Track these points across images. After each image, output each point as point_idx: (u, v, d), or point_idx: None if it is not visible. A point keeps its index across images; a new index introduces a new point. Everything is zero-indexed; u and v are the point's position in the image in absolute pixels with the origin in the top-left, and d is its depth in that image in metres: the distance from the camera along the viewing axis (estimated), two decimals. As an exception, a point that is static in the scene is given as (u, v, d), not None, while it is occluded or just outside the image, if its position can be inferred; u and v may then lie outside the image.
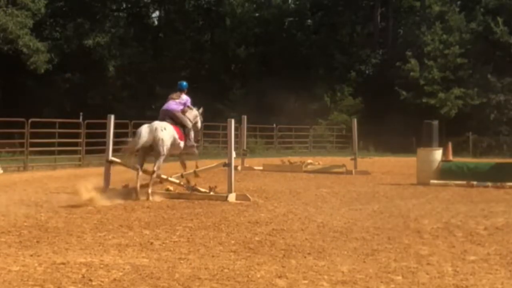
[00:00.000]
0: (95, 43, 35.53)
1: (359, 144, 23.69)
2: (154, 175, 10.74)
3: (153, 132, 10.72)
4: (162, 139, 10.74)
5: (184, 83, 12.40)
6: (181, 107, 11.65)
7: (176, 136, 11.13)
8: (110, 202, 9.70)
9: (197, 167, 12.22)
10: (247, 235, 7.05)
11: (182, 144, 11.34)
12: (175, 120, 11.37)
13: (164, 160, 11.17)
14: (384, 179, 15.46)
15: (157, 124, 10.95)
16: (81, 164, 20.61)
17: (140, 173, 10.69)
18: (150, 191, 10.46)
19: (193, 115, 11.99)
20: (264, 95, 37.85)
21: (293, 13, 42.09)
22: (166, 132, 10.86)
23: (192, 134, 11.74)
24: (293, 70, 38.33)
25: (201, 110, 12.41)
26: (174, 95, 11.84)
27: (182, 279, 4.95)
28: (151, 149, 10.85)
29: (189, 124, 11.64)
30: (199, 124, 12.28)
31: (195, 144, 12.00)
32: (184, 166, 11.99)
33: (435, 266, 5.54)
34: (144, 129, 10.76)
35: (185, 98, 11.87)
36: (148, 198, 10.26)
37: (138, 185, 10.55)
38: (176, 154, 11.84)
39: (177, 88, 12.14)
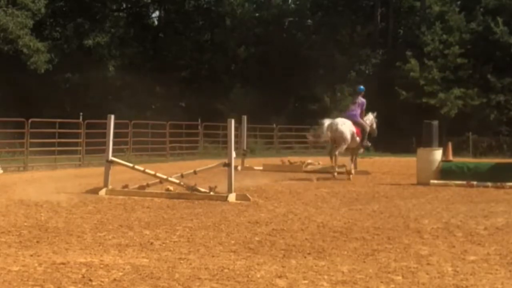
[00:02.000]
0: (95, 43, 35.51)
1: (359, 144, 23.64)
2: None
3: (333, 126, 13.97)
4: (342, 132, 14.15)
5: (361, 87, 15.59)
6: (359, 111, 14.75)
7: (354, 131, 14.44)
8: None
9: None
10: (247, 235, 7.05)
11: (358, 139, 14.69)
12: (357, 124, 14.71)
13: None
14: (384, 179, 15.46)
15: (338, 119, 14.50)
16: (81, 164, 20.61)
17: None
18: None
19: (370, 119, 15.47)
20: (264, 95, 37.86)
21: (293, 13, 42.08)
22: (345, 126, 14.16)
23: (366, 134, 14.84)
24: (293, 70, 38.32)
25: (375, 114, 15.75)
26: (354, 100, 15.11)
27: (182, 279, 4.95)
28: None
29: (367, 127, 14.90)
30: (374, 126, 15.87)
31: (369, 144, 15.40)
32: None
33: (435, 266, 5.54)
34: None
35: (361, 100, 14.86)
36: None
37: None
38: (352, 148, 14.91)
39: (356, 91, 15.56)
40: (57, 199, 10.14)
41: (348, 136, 14.40)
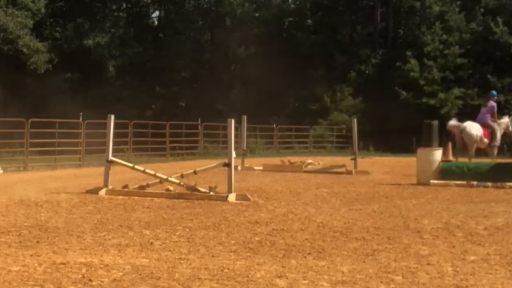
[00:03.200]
0: (95, 43, 35.56)
1: (359, 144, 23.70)
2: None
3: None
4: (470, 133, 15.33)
5: (494, 92, 17.24)
6: (489, 114, 15.89)
7: (481, 133, 15.41)
8: None
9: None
10: (247, 235, 7.05)
11: (486, 141, 15.69)
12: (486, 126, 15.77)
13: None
14: (384, 179, 15.45)
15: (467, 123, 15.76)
16: (81, 164, 20.61)
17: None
18: None
19: (505, 122, 16.47)
20: (264, 95, 37.88)
21: (293, 13, 42.10)
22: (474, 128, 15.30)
23: (498, 136, 15.82)
24: (293, 70, 38.33)
25: (511, 118, 16.62)
26: (486, 104, 16.30)
27: (182, 279, 4.95)
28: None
29: (496, 129, 15.83)
30: (510, 128, 16.69)
31: (496, 145, 16.05)
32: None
33: (435, 266, 5.54)
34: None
35: (491, 104, 16.18)
36: None
37: None
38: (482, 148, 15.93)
39: (488, 95, 16.99)
40: (57, 199, 10.14)
41: (474, 137, 15.74)
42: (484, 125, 16.06)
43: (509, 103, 36.05)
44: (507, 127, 16.84)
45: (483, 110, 16.88)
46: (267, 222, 8.06)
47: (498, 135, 16.07)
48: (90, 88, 36.78)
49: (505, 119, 17.11)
